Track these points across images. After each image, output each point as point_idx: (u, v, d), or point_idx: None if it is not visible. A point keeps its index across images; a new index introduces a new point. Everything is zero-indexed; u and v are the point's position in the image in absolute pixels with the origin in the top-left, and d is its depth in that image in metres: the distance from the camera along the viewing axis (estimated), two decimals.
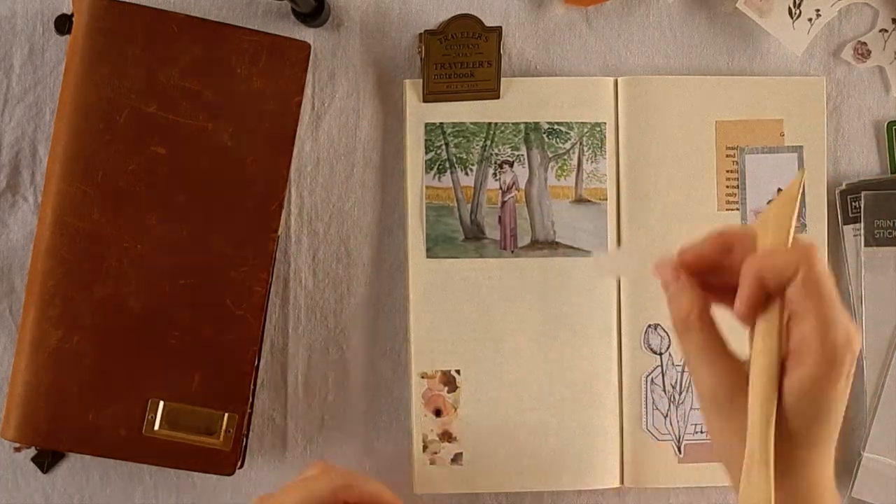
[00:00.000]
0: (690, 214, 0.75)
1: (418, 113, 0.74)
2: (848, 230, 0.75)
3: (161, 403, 0.68)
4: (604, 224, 0.74)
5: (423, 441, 0.74)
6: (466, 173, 0.74)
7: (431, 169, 0.74)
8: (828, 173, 0.75)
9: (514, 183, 0.74)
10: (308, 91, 0.74)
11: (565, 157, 0.75)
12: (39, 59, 0.74)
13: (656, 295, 0.73)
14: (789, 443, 0.49)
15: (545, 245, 0.74)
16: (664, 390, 0.74)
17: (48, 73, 0.74)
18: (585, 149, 0.74)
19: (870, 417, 0.74)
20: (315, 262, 0.75)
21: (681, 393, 0.74)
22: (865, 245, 0.74)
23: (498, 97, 0.74)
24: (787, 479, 0.49)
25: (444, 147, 0.74)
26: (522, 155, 0.74)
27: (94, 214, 0.68)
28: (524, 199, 0.74)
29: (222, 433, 0.69)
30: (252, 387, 0.70)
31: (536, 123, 0.74)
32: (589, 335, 0.74)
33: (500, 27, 0.73)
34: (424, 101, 0.74)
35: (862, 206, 0.74)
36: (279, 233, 0.71)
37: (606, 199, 0.74)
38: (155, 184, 0.69)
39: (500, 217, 0.74)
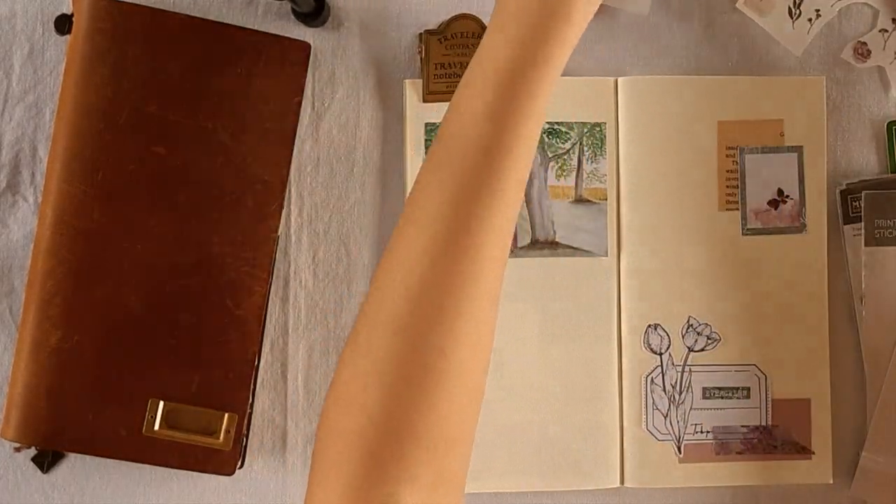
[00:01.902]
0: (690, 214, 0.74)
1: (418, 113, 0.74)
2: (848, 230, 0.75)
3: (161, 403, 0.68)
4: (604, 224, 0.74)
5: None
6: None
7: None
8: (828, 173, 0.75)
9: None
10: (308, 91, 0.74)
11: (565, 157, 0.74)
12: (39, 59, 0.74)
13: (656, 295, 0.74)
14: None
15: (545, 245, 0.74)
16: (664, 390, 0.74)
17: (48, 73, 0.74)
18: (585, 149, 0.74)
19: (870, 417, 0.74)
20: (315, 262, 0.75)
21: (681, 393, 0.74)
22: (866, 245, 0.74)
23: None
24: None
25: None
26: None
27: (94, 214, 0.68)
28: (524, 199, 0.74)
29: (222, 433, 0.69)
30: (252, 387, 0.70)
31: None
32: (589, 335, 0.74)
33: None
34: (424, 101, 0.74)
35: (862, 205, 0.74)
36: (279, 233, 0.71)
37: (606, 199, 0.74)
38: (155, 184, 0.69)
39: None
